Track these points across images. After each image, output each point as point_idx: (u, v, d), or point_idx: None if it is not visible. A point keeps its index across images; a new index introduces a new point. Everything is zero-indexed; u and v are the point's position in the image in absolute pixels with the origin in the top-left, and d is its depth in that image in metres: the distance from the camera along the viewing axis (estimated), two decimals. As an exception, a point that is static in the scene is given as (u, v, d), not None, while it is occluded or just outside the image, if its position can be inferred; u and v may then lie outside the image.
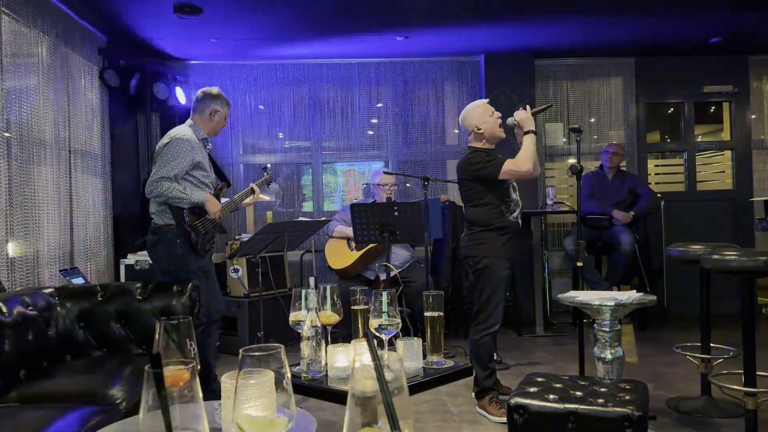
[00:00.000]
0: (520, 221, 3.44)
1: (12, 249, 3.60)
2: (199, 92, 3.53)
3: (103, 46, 5.03)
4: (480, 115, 3.37)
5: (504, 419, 2.78)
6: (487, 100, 3.51)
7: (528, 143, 3.26)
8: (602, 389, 2.30)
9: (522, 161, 3.23)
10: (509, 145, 3.56)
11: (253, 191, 3.70)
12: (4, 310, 2.50)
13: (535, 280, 5.46)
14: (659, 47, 5.83)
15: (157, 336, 1.19)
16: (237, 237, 5.31)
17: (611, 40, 5.62)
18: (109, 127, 5.10)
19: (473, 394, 3.45)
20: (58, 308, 2.90)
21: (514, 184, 3.42)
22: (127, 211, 5.30)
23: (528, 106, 3.37)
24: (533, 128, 3.29)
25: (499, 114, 3.40)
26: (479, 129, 3.36)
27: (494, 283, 3.30)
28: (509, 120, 3.36)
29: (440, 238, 4.71)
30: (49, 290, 2.98)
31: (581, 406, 2.14)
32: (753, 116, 6.24)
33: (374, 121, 6.12)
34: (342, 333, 2.95)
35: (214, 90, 3.53)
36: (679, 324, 5.46)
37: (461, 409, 3.48)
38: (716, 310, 3.73)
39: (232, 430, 0.95)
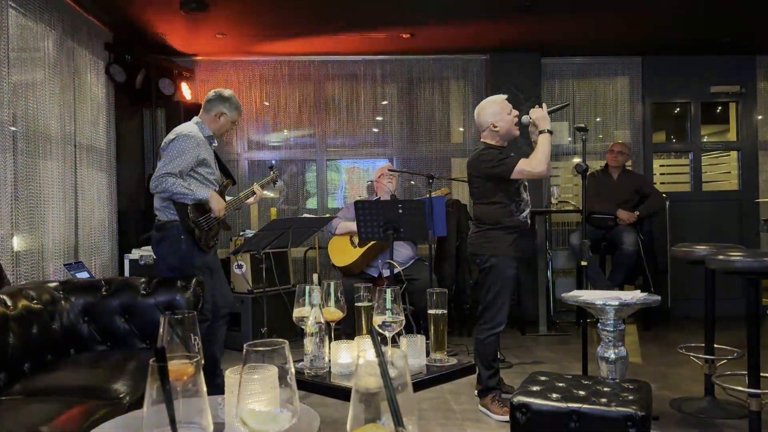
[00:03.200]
0: (529, 221, 3.41)
1: (17, 243, 3.61)
2: (212, 92, 3.51)
3: (109, 41, 5.04)
4: (497, 112, 3.29)
5: (506, 418, 2.77)
6: (506, 96, 3.38)
7: (543, 143, 3.17)
8: (605, 389, 2.29)
9: (537, 162, 3.15)
10: (515, 143, 3.52)
11: (254, 192, 3.70)
12: (9, 303, 2.51)
13: (539, 279, 5.46)
14: (666, 47, 5.80)
15: (161, 330, 1.19)
16: (241, 233, 5.32)
17: (618, 39, 5.60)
18: (114, 122, 5.11)
19: (476, 392, 3.45)
20: (63, 302, 2.91)
21: (525, 183, 3.36)
22: (131, 206, 5.31)
23: (544, 104, 3.29)
24: (549, 127, 3.20)
25: (516, 112, 3.31)
26: (495, 127, 3.28)
27: (501, 283, 3.27)
28: (524, 118, 3.29)
29: (444, 235, 4.70)
30: (54, 284, 2.99)
31: (584, 406, 2.13)
32: (760, 117, 6.21)
33: (379, 118, 6.11)
34: (345, 330, 2.95)
35: (227, 92, 3.50)
36: (683, 324, 5.45)
37: (464, 407, 3.48)
38: (721, 311, 3.72)
39: (236, 425, 0.95)
